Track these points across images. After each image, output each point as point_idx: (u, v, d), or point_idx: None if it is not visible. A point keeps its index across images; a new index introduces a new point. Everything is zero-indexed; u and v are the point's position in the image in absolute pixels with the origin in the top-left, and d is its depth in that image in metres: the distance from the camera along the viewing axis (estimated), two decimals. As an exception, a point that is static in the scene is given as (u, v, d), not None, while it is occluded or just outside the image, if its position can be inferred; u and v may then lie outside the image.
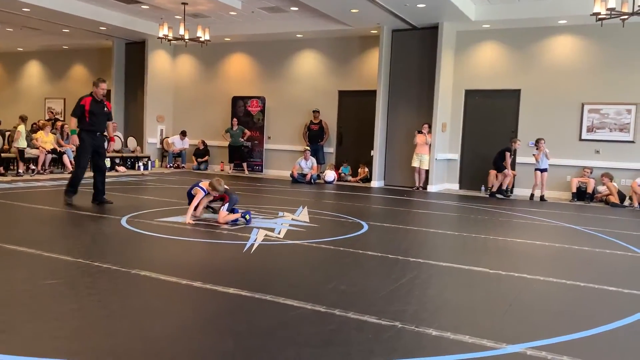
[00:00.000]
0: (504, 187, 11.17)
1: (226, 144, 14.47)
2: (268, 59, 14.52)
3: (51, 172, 11.84)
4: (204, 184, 6.64)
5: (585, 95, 11.13)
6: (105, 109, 7.67)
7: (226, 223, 6.38)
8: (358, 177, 13.10)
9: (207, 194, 6.60)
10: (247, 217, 6.46)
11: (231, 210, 6.53)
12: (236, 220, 6.46)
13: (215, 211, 6.81)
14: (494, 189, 11.06)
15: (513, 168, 11.31)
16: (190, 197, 6.64)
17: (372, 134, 12.47)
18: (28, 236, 5.48)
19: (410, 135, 11.99)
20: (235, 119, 14.32)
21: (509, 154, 10.86)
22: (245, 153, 14.42)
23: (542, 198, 10.66)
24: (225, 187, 6.66)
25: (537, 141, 10.75)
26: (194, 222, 6.38)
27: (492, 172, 11.50)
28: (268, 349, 2.75)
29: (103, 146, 7.84)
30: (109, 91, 15.73)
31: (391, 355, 2.74)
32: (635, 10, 7.97)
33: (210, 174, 13.41)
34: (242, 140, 14.25)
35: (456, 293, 4.04)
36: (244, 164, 14.35)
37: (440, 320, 3.36)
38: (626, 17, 8.11)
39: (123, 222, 6.27)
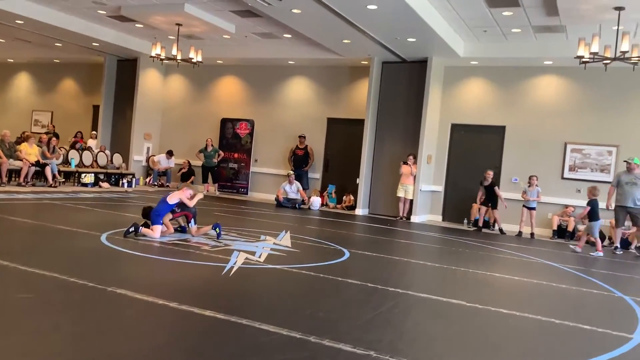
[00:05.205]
0: (491, 222, 11.43)
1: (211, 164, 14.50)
2: (259, 83, 14.65)
3: (33, 185, 11.71)
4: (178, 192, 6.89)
5: (568, 134, 11.36)
6: None
7: (200, 235, 6.95)
8: (343, 205, 13.14)
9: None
10: (217, 230, 6.85)
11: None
12: (210, 232, 6.91)
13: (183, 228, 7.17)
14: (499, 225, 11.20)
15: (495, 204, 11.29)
16: (157, 213, 6.66)
17: (358, 162, 12.56)
18: (3, 248, 5.39)
19: (396, 165, 12.10)
20: (209, 139, 14.42)
21: (481, 187, 11.16)
22: (218, 173, 14.48)
23: (532, 235, 10.74)
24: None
25: (530, 178, 10.91)
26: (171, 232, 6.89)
27: (475, 206, 11.61)
28: (241, 374, 2.73)
29: None
30: (97, 107, 15.83)
31: (364, 385, 2.73)
32: (617, 56, 8.22)
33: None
34: (215, 161, 14.32)
35: (433, 325, 4.05)
36: (215, 185, 14.46)
37: (415, 351, 3.37)
38: (608, 62, 8.36)
39: (103, 238, 6.21)
